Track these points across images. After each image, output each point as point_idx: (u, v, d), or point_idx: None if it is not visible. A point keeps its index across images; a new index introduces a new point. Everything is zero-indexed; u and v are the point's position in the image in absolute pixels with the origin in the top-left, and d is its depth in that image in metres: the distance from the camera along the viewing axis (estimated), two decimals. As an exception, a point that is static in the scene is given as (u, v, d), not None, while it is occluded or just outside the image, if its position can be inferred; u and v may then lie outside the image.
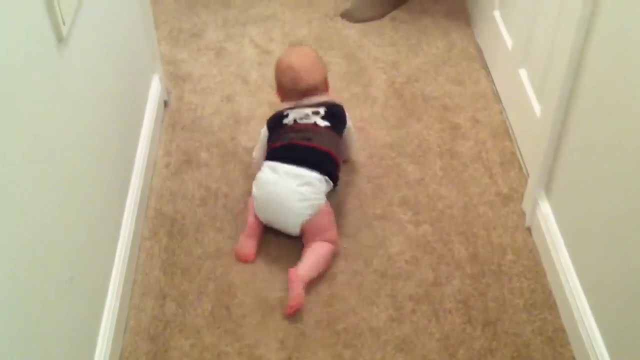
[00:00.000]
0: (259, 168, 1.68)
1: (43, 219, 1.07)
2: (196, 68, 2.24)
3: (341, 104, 1.78)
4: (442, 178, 1.83)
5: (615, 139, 1.26)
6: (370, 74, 2.21)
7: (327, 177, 1.63)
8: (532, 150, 1.73)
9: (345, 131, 1.75)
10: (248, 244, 1.62)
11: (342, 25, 2.46)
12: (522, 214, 1.71)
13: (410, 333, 1.46)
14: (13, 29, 0.98)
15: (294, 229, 1.61)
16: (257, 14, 2.53)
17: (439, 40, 2.37)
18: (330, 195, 1.66)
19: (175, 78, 2.20)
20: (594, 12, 1.34)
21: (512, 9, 1.96)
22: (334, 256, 1.61)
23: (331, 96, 1.80)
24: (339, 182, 1.71)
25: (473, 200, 1.76)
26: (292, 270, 1.53)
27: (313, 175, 1.60)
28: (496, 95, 2.11)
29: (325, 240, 1.59)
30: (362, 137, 1.93)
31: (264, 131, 1.75)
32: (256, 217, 1.65)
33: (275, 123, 1.73)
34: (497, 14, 2.12)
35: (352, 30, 2.43)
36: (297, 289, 1.49)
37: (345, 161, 1.84)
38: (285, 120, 1.71)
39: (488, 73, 2.20)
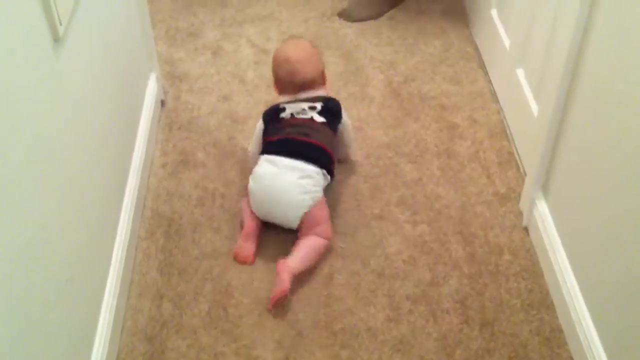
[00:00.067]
0: (255, 162, 1.67)
1: (43, 219, 1.07)
2: (193, 67, 2.24)
3: (337, 100, 1.77)
4: (439, 178, 1.83)
5: (612, 139, 1.26)
6: (368, 74, 2.21)
7: (324, 171, 1.63)
8: (529, 150, 1.73)
9: (341, 126, 1.75)
10: (247, 247, 1.61)
11: (339, 24, 2.46)
12: (520, 214, 1.71)
13: (408, 333, 1.46)
14: (9, 30, 0.98)
15: (294, 221, 1.60)
16: (254, 13, 2.52)
17: (436, 40, 2.37)
18: (326, 193, 1.66)
19: (172, 77, 2.19)
20: (592, 11, 1.34)
21: (510, 9, 1.96)
22: (328, 253, 1.60)
23: (328, 90, 1.79)
24: (335, 179, 1.71)
25: (470, 200, 1.76)
26: (281, 261, 1.52)
27: (312, 169, 1.60)
28: (494, 94, 2.10)
29: (320, 235, 1.59)
30: (359, 137, 1.92)
31: (259, 125, 1.74)
32: (253, 218, 1.64)
33: (272, 117, 1.72)
34: (494, 13, 2.12)
35: (349, 30, 2.43)
36: (284, 280, 1.48)
37: (343, 161, 1.84)
38: (282, 114, 1.70)
39: (485, 73, 2.20)
